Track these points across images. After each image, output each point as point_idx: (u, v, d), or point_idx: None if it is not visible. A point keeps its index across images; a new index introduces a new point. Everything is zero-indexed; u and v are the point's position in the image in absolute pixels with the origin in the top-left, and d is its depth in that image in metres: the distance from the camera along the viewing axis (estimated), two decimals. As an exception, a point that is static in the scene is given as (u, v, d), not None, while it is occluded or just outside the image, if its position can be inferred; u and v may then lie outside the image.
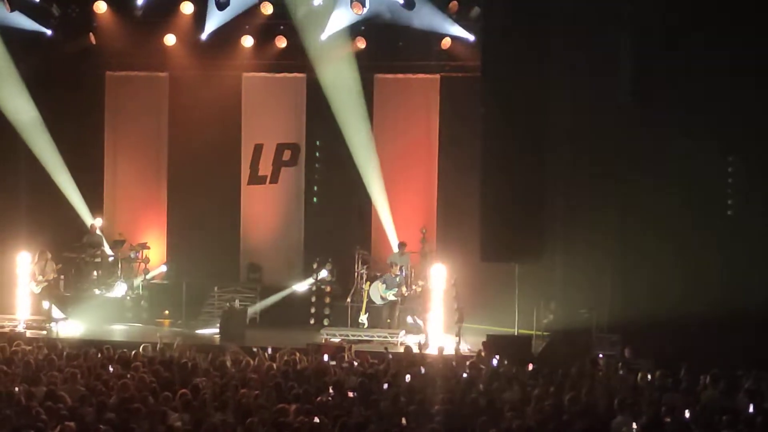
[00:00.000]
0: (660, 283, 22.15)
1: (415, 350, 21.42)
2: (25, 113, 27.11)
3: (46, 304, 25.65)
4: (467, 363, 19.67)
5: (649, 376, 18.06)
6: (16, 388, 16.15)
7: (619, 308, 22.47)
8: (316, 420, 14.30)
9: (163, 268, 27.66)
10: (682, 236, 22.29)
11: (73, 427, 13.55)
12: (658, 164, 22.37)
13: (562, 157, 23.30)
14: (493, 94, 22.80)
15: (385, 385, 16.96)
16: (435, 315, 25.05)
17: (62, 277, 26.70)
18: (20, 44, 27.21)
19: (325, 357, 20.15)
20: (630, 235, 22.74)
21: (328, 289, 26.41)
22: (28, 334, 23.25)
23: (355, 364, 19.33)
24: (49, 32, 27.76)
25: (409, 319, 25.40)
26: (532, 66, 22.23)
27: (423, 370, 18.68)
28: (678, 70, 22.27)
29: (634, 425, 14.42)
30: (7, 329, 23.64)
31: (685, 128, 22.13)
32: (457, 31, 26.65)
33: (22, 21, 27.14)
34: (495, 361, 19.90)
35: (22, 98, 27.06)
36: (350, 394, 16.25)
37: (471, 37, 26.50)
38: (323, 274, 26.52)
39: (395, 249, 26.42)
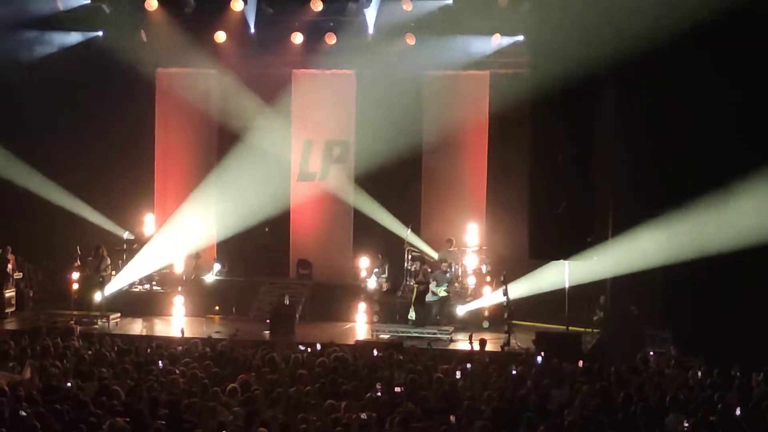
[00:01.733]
0: (711, 279, 21.98)
1: (469, 346, 21.46)
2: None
3: (98, 296, 25.88)
4: (517, 360, 19.65)
5: (700, 374, 17.97)
6: (69, 383, 16.29)
7: (670, 305, 22.33)
8: (365, 416, 14.35)
9: (217, 266, 27.66)
10: (735, 231, 22.09)
11: (125, 422, 13.65)
12: (709, 159, 22.17)
13: (612, 154, 23.18)
14: (543, 90, 22.67)
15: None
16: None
17: (113, 272, 26.89)
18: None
19: (374, 353, 20.16)
20: (681, 231, 22.57)
21: (380, 285, 26.46)
22: (81, 329, 23.41)
23: (403, 360, 19.33)
24: (100, 33, 28.08)
25: (459, 311, 25.42)
26: (582, 62, 22.09)
27: (469, 367, 18.67)
28: (727, 65, 22.07)
29: (686, 423, 14.36)
30: (59, 324, 23.78)
31: (736, 124, 21.96)
32: (506, 28, 26.66)
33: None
34: (540, 358, 19.84)
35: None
36: (398, 390, 16.27)
37: (520, 37, 26.53)
38: (375, 270, 26.55)
39: (444, 246, 26.49)
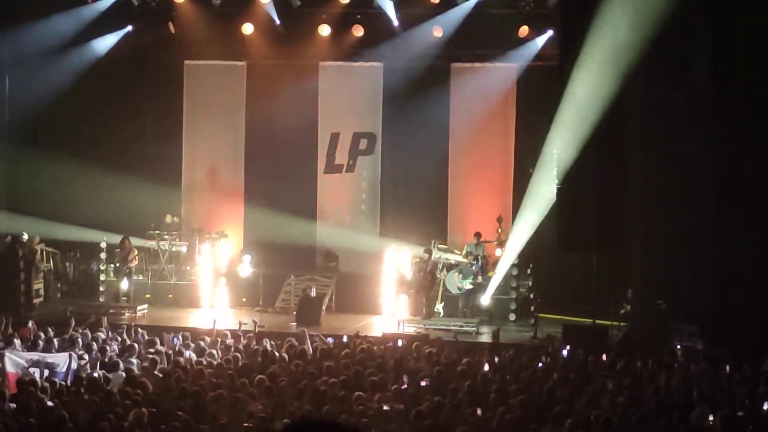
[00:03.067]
0: (740, 273, 21.89)
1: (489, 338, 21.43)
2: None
3: (125, 285, 25.98)
4: (543, 352, 19.62)
5: (728, 368, 17.88)
6: (96, 374, 16.37)
7: (698, 298, 22.24)
8: (392, 408, 14.36)
9: (248, 258, 27.56)
10: (762, 225, 21.98)
11: (150, 414, 13.70)
12: (739, 151, 22.05)
13: (640, 146, 23.10)
14: (571, 83, 22.60)
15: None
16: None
17: (138, 263, 26.99)
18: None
19: (399, 343, 20.15)
20: (708, 224, 22.47)
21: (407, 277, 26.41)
22: (108, 320, 23.46)
23: (429, 353, 19.31)
24: (129, 27, 28.20)
25: (483, 301, 25.37)
26: (609, 54, 22.03)
27: (497, 360, 18.66)
28: (757, 54, 21.93)
29: (711, 417, 14.30)
30: (87, 315, 23.83)
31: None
32: (534, 21, 26.61)
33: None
34: (565, 352, 19.79)
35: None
36: (423, 383, 16.27)
37: (548, 31, 26.48)
38: (402, 262, 26.49)
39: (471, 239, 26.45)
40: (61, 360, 17.24)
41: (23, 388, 15.37)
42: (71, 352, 17.59)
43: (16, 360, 17.13)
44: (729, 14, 21.80)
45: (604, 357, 19.04)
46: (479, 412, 14.69)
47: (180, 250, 27.76)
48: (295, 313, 24.95)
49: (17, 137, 26.89)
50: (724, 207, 22.08)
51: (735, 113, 21.79)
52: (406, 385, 16.28)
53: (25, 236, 25.94)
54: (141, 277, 26.99)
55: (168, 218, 28.05)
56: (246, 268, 26.83)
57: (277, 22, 27.70)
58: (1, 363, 16.98)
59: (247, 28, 27.86)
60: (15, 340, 18.93)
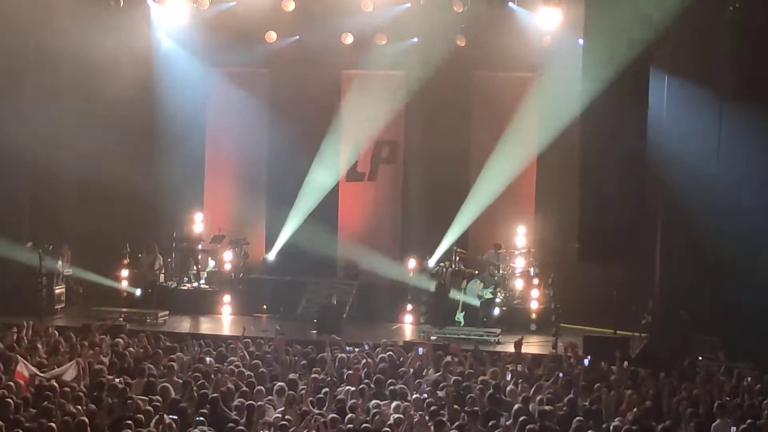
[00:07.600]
0: (763, 285, 21.85)
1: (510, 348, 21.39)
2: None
3: (148, 294, 26.04)
4: (564, 363, 19.59)
5: (750, 379, 17.84)
6: (117, 380, 16.41)
7: (720, 310, 22.21)
8: (414, 416, 14.36)
9: (272, 257, 27.47)
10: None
11: (171, 420, 13.74)
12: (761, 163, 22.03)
13: (663, 157, 23.06)
14: (593, 93, 22.55)
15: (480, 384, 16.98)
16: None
17: (163, 270, 27.06)
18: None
19: (420, 352, 20.13)
20: (729, 236, 22.44)
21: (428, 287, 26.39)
22: (129, 326, 23.53)
23: (450, 362, 19.29)
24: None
25: (495, 311, 25.35)
26: (633, 65, 21.98)
27: (520, 369, 18.64)
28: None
29: (734, 429, 14.27)
30: (109, 321, 23.92)
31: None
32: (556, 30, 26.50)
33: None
34: (587, 362, 19.73)
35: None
36: (442, 393, 16.26)
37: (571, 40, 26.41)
38: (423, 271, 26.49)
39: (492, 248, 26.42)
40: (67, 368, 17.25)
41: (43, 392, 15.40)
42: (77, 359, 17.56)
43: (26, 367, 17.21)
44: (753, 28, 21.79)
45: (625, 367, 18.99)
46: (500, 421, 14.69)
47: (202, 256, 27.79)
48: (315, 320, 24.93)
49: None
50: (748, 218, 22.07)
51: (757, 125, 21.77)
52: (426, 394, 16.29)
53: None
54: (163, 284, 27.05)
55: (191, 224, 28.12)
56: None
57: (301, 30, 27.71)
58: (16, 366, 17.10)
59: (270, 36, 27.87)
60: (39, 345, 19.02)
